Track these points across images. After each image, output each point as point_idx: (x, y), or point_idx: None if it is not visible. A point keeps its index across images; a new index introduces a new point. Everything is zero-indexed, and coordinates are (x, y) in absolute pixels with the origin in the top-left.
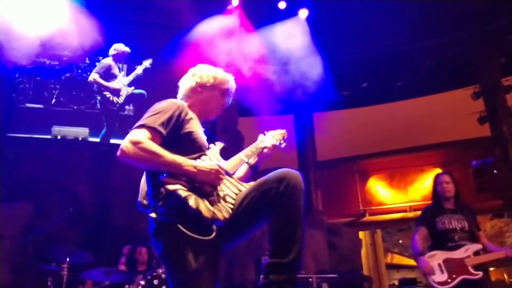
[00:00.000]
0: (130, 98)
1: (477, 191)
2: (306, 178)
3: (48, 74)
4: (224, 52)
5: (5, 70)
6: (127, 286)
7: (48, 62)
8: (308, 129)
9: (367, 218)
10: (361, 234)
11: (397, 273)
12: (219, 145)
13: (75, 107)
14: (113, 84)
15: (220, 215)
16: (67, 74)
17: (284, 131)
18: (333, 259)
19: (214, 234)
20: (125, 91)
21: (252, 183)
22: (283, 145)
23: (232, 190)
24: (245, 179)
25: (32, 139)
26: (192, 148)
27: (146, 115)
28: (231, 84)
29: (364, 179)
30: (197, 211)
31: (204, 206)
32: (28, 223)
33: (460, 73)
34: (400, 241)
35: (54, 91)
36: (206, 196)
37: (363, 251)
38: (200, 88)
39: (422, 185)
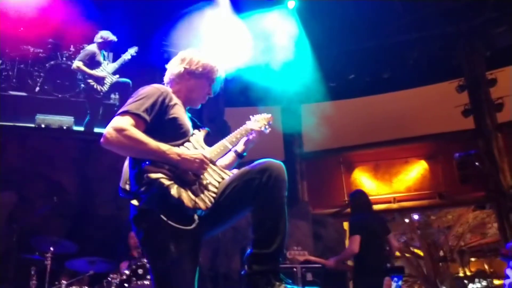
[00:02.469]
0: (114, 87)
1: (461, 183)
2: (292, 169)
3: (32, 62)
4: (210, 40)
5: None
6: (111, 275)
7: (32, 49)
8: (295, 120)
9: None
10: (346, 224)
11: None
12: (203, 131)
13: (60, 96)
14: (97, 72)
15: (202, 205)
16: (52, 62)
17: (269, 115)
18: (318, 249)
19: (195, 223)
20: (110, 79)
21: (235, 171)
22: (267, 131)
23: (215, 178)
24: (231, 167)
25: (16, 127)
26: (176, 134)
27: (130, 100)
28: (220, 73)
29: (350, 170)
30: (178, 201)
31: (186, 196)
32: (12, 212)
33: (446, 66)
34: None
35: (38, 79)
36: (189, 185)
37: (347, 242)
38: (188, 75)
39: (407, 177)
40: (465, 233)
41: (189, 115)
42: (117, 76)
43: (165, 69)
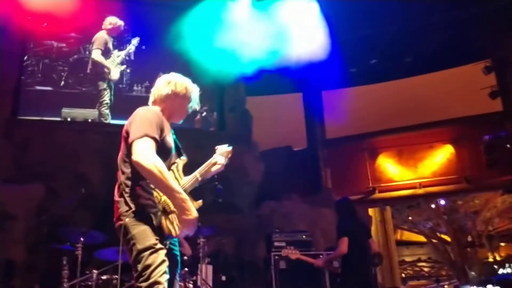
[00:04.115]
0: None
1: (488, 167)
2: (315, 156)
3: (56, 56)
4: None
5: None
6: None
7: (55, 44)
8: (317, 107)
9: (377, 195)
10: (370, 211)
11: (406, 250)
12: (183, 160)
13: (84, 89)
14: (109, 63)
15: (173, 232)
16: (75, 56)
17: (230, 148)
18: None
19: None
20: (119, 69)
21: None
22: (226, 162)
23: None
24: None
25: (42, 121)
26: (164, 152)
27: (146, 124)
28: (196, 93)
29: (373, 157)
30: (159, 227)
31: (164, 223)
32: (40, 204)
33: (471, 48)
34: (410, 218)
35: (62, 73)
36: (167, 214)
37: (372, 228)
38: (174, 96)
39: (432, 162)
40: (493, 218)
41: (174, 136)
42: (124, 66)
43: None
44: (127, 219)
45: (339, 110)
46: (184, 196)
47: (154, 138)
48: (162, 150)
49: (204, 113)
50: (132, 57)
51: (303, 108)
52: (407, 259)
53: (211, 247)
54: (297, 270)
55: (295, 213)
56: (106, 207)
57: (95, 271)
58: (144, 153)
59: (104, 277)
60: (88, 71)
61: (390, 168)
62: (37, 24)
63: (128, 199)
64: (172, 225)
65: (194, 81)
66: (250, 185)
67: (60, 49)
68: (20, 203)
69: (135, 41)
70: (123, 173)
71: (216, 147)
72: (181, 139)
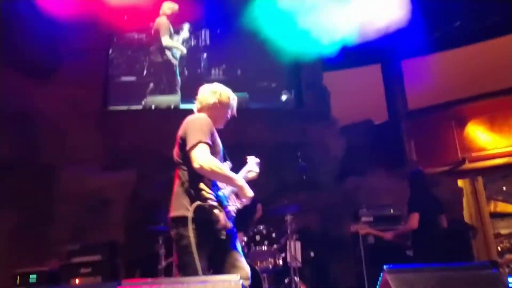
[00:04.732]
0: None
1: None
2: (397, 128)
3: (137, 47)
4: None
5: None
6: None
7: (136, 35)
8: (397, 77)
9: (467, 165)
10: (460, 182)
11: (501, 222)
12: (228, 165)
13: (163, 76)
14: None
15: (228, 225)
16: (153, 45)
17: (258, 160)
18: None
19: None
20: (182, 52)
21: None
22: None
23: (236, 205)
24: None
25: (129, 111)
26: (214, 153)
27: (199, 132)
28: (235, 102)
29: (462, 125)
30: (217, 218)
31: (222, 217)
32: (134, 188)
33: None
34: (504, 188)
35: (144, 63)
36: (224, 209)
37: (463, 200)
38: (219, 105)
39: None
40: None
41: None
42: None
43: None
44: (189, 214)
45: (421, 79)
46: (242, 181)
47: (207, 143)
48: (213, 152)
49: (286, 96)
50: (185, 44)
51: (382, 80)
52: (503, 231)
53: (298, 224)
54: (386, 245)
55: (380, 187)
56: None
57: None
58: (202, 158)
59: None
60: (161, 59)
61: (481, 136)
62: (119, 17)
63: (189, 195)
64: (227, 218)
65: (270, 60)
66: (332, 162)
67: (141, 40)
68: (116, 188)
69: (186, 27)
70: (182, 173)
71: (247, 157)
72: (260, 119)
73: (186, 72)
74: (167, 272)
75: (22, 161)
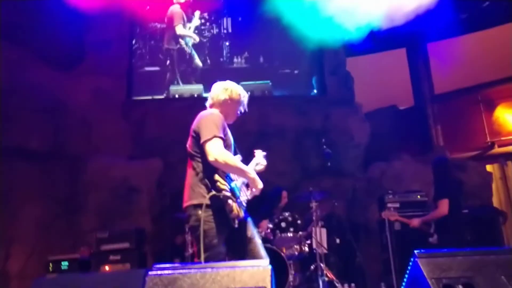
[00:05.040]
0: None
1: None
2: (424, 113)
3: (160, 37)
4: None
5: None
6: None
7: (158, 26)
8: (423, 61)
9: (496, 150)
10: (489, 167)
11: None
12: (238, 157)
13: (186, 65)
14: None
15: (241, 214)
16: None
17: (264, 153)
18: None
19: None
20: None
21: None
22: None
23: (246, 196)
24: None
25: (154, 100)
26: (227, 147)
27: (213, 127)
28: (246, 99)
29: (490, 109)
30: (231, 208)
31: (235, 206)
32: (159, 177)
33: None
34: None
35: (167, 53)
36: (237, 200)
37: (493, 186)
38: (230, 101)
39: None
40: None
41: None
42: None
43: None
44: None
45: (447, 62)
46: (254, 173)
47: (221, 137)
48: (225, 146)
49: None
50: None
51: (407, 64)
52: None
53: (324, 211)
54: (412, 231)
55: (406, 173)
56: None
57: None
58: (217, 152)
59: None
60: (175, 46)
61: (510, 119)
62: (141, 8)
63: (205, 185)
64: (239, 208)
65: (293, 47)
66: (357, 148)
67: (163, 30)
68: (142, 177)
69: (197, 14)
70: (196, 164)
71: (255, 151)
72: (283, 107)
73: (208, 61)
74: (194, 259)
75: (52, 152)
